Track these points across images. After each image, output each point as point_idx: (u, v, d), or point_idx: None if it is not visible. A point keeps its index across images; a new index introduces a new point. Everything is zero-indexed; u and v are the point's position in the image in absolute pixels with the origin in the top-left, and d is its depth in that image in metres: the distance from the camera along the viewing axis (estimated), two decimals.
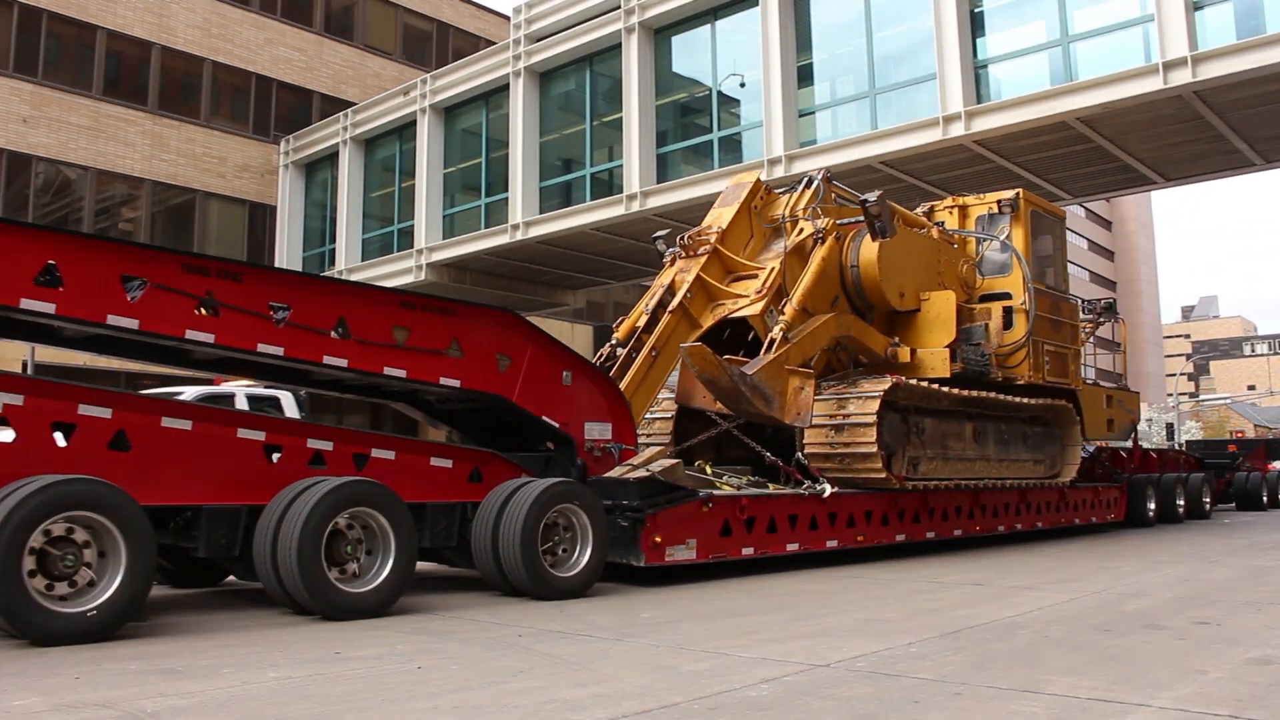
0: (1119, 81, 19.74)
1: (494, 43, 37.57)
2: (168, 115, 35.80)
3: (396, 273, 33.84)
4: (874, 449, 12.91)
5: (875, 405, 13.00)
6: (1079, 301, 18.48)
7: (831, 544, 12.92)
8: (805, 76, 25.12)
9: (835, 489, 12.98)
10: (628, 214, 27.70)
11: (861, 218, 13.84)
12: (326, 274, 35.74)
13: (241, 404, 16.39)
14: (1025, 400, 15.65)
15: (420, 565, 10.23)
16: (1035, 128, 21.28)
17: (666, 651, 6.92)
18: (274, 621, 8.42)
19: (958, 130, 21.60)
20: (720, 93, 27.17)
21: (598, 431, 11.76)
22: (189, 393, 16.41)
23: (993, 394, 15.08)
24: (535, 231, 30.16)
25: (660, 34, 28.12)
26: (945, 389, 14.17)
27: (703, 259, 13.60)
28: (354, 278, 34.26)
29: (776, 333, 12.79)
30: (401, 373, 10.23)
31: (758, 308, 13.11)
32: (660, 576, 11.37)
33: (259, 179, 37.69)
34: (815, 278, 13.45)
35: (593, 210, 28.59)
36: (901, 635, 7.51)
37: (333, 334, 9.85)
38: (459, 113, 33.84)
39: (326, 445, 9.74)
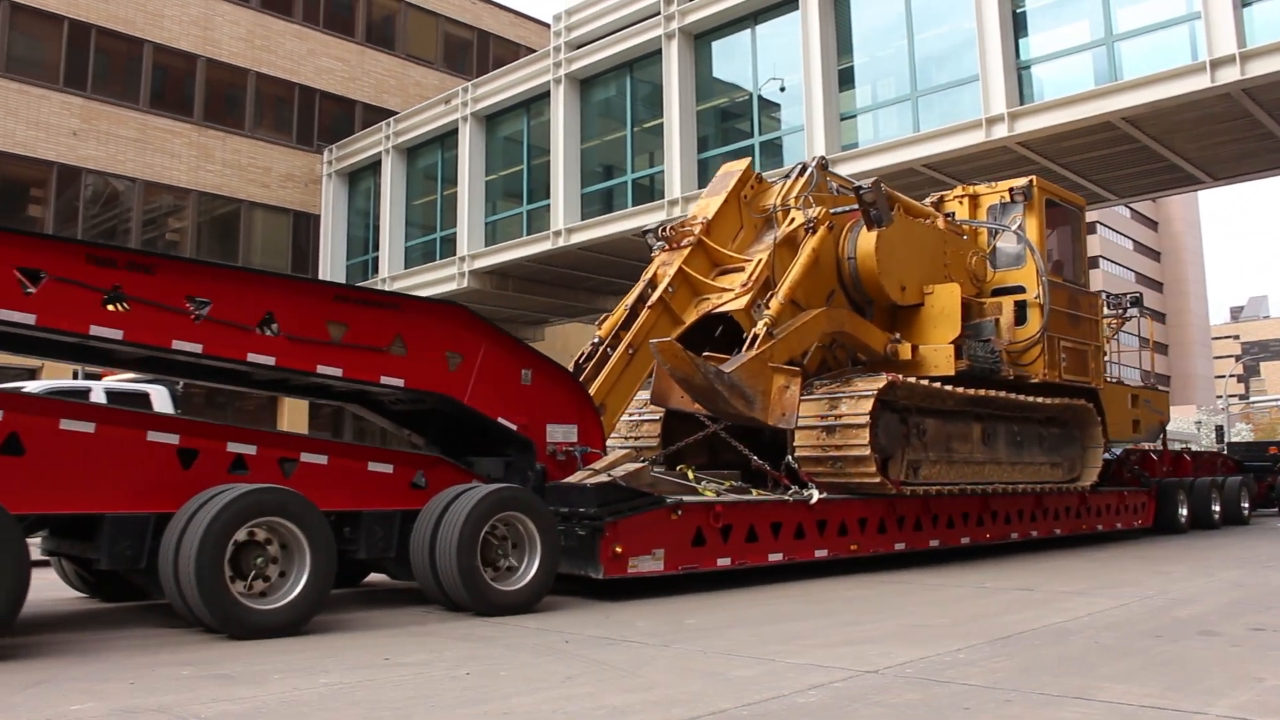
0: (1165, 80, 18.99)
1: (534, 50, 36.76)
2: (213, 126, 35.34)
3: (439, 280, 33.19)
4: (867, 452, 11.76)
5: (869, 405, 11.85)
6: (1104, 296, 17.17)
7: (820, 554, 11.77)
8: (846, 80, 24.44)
9: (823, 494, 11.84)
10: (670, 219, 26.45)
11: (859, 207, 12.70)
12: (368, 282, 35.21)
13: (99, 399, 14.90)
14: (1040, 400, 14.39)
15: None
16: (1080, 128, 20.53)
17: (713, 657, 6.74)
18: (324, 628, 8.14)
19: (1001, 132, 20.86)
20: (761, 97, 26.47)
21: (562, 434, 10.75)
22: (30, 387, 15.02)
23: (1004, 393, 13.84)
24: (577, 238, 29.37)
25: (700, 39, 27.48)
26: (950, 388, 12.97)
27: (686, 251, 12.54)
28: (396, 286, 33.96)
29: (760, 328, 11.69)
30: (337, 371, 9.29)
31: (742, 302, 12.02)
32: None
33: (303, 188, 37.13)
34: (805, 269, 12.32)
35: (634, 216, 27.60)
36: (950, 641, 7.28)
37: (259, 330, 8.93)
38: (500, 120, 33.12)
39: (249, 449, 8.82)
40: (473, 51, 41.10)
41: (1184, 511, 19.00)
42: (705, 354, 11.43)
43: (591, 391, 11.65)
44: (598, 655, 6.82)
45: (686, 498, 10.72)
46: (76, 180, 32.99)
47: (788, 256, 12.50)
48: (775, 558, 11.28)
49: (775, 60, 26.03)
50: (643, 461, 10.78)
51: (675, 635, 7.74)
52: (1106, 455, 17.54)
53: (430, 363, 9.82)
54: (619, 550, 9.89)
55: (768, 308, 11.84)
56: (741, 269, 12.44)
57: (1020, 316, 14.47)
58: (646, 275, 12.54)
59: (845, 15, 24.21)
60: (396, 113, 36.56)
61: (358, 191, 37.46)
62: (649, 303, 12.17)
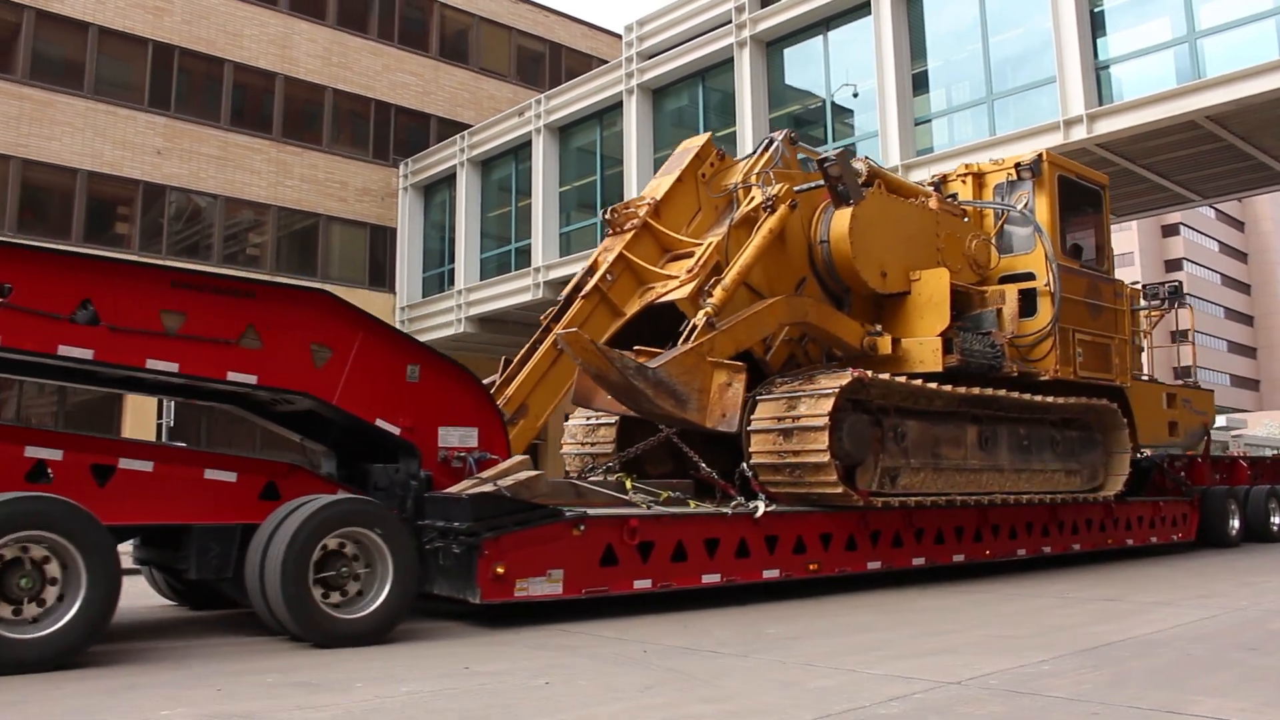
0: (1251, 77, 17.34)
1: (606, 61, 35.41)
2: (291, 143, 34.46)
3: (514, 291, 31.83)
4: (826, 458, 9.84)
5: (828, 405, 9.92)
6: (1141, 287, 14.88)
7: (770, 574, 9.87)
8: (920, 84, 22.84)
9: (772, 506, 9.96)
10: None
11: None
12: (443, 294, 34.06)
13: None
14: (1053, 400, 12.24)
15: None
16: (1161, 128, 18.93)
17: (792, 668, 6.44)
18: (406, 636, 7.80)
19: (1079, 134, 19.31)
20: (834, 103, 24.93)
21: (458, 438, 9.07)
22: None
23: (1004, 392, 11.75)
24: None
25: (772, 47, 26.09)
26: (935, 386, 10.97)
27: (629, 235, 10.75)
28: (472, 297, 32.85)
29: (699, 318, 9.86)
30: (172, 366, 7.79)
31: (687, 290, 10.19)
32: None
33: (379, 202, 36.07)
34: (759, 252, 10.42)
35: None
36: (1033, 652, 6.86)
37: (73, 319, 7.44)
38: (573, 131, 31.71)
39: (54, 454, 7.35)
40: (545, 64, 39.69)
41: (1235, 523, 16.44)
42: (637, 348, 9.66)
43: (511, 390, 9.97)
44: (676, 664, 6.53)
45: (594, 510, 8.94)
46: (161, 198, 32.38)
47: (744, 239, 10.61)
48: (710, 579, 9.43)
49: (848, 66, 24.66)
50: (537, 470, 8.97)
51: (754, 645, 7.33)
52: (1144, 461, 15.28)
53: (290, 357, 8.25)
54: (501, 571, 8.17)
55: (710, 295, 10.00)
56: (693, 254, 10.60)
57: (1029, 307, 12.35)
58: (589, 263, 10.79)
59: (918, 19, 22.81)
60: (470, 126, 35.33)
61: (433, 204, 36.34)
62: (583, 292, 10.43)
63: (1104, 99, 19.49)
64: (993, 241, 12.66)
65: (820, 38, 25.12)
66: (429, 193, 36.32)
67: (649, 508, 9.50)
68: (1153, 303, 14.93)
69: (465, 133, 34.39)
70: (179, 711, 5.20)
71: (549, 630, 8.07)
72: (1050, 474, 12.48)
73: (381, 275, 35.97)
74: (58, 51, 31.29)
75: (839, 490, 10.00)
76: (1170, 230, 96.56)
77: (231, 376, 8.01)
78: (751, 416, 10.40)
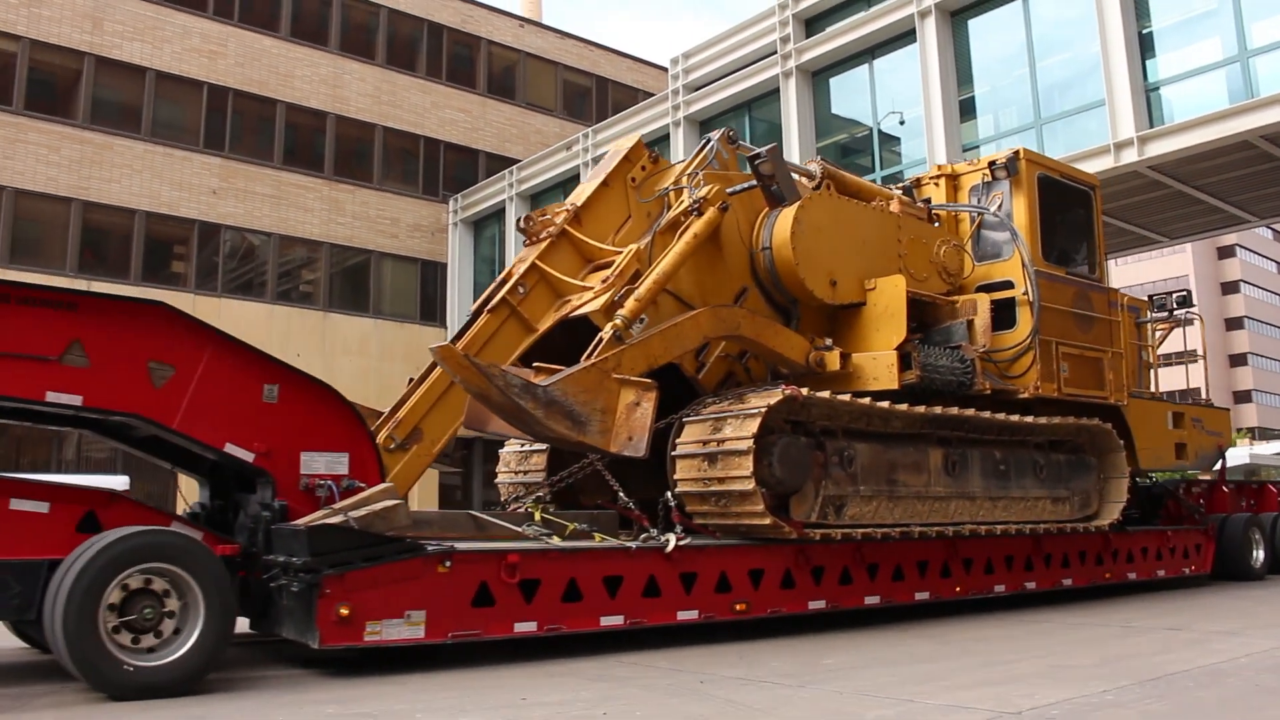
0: None
1: (652, 94, 34.53)
2: (343, 180, 34.02)
3: None
4: (750, 485, 8.54)
5: (754, 426, 8.63)
6: (1148, 298, 13.28)
7: (686, 616, 8.56)
8: (967, 110, 22.08)
9: (685, 539, 8.67)
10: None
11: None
12: None
13: None
14: (1033, 420, 10.78)
15: None
16: (1214, 149, 18.08)
17: (851, 698, 6.22)
18: (460, 667, 7.48)
19: (1130, 156, 18.50)
20: (881, 131, 24.17)
21: (324, 464, 7.95)
22: None
23: (973, 411, 10.33)
24: None
25: (818, 76, 25.44)
26: (889, 405, 9.61)
27: (545, 244, 9.59)
28: None
29: (607, 331, 8.66)
30: None
31: (599, 302, 8.99)
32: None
33: (429, 237, 35.43)
34: (681, 259, 9.18)
35: None
36: (1096, 682, 6.60)
37: None
38: None
39: None
40: (591, 98, 38.85)
41: (1259, 554, 14.58)
42: (537, 365, 8.50)
43: (403, 414, 8.84)
44: (734, 695, 6.29)
45: (463, 545, 7.75)
46: (216, 236, 32.10)
47: (669, 246, 9.39)
48: (610, 621, 8.17)
49: (894, 94, 23.91)
50: (397, 500, 7.79)
51: (812, 675, 7.05)
52: (1154, 487, 13.63)
53: (123, 376, 7.23)
54: (345, 612, 7.02)
55: (621, 307, 8.80)
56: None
57: (1007, 318, 10.93)
58: (502, 275, 9.66)
59: (964, 46, 22.17)
60: (519, 160, 34.62)
61: (483, 238, 35.60)
62: (490, 306, 9.29)
63: (1154, 121, 18.55)
64: (965, 248, 11.26)
65: (866, 66, 24.42)
66: (478, 227, 35.64)
67: (544, 541, 8.27)
68: (1159, 315, 13.30)
69: (514, 167, 33.79)
70: None
71: (605, 661, 7.70)
72: (1033, 502, 10.97)
73: (433, 310, 35.31)
74: (116, 96, 31.27)
75: (766, 522, 8.70)
76: (1226, 252, 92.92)
77: (51, 397, 7.01)
78: (677, 440, 9.15)
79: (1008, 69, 21.45)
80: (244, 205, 32.51)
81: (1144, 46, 18.95)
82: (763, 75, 26.02)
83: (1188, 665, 7.20)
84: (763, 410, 8.69)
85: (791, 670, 7.29)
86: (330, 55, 34.27)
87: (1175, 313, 13.24)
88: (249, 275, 32.82)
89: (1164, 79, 18.75)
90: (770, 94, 26.01)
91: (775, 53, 25.48)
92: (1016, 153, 11.18)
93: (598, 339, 8.65)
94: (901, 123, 23.40)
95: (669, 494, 9.11)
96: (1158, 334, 13.61)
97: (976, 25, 22.07)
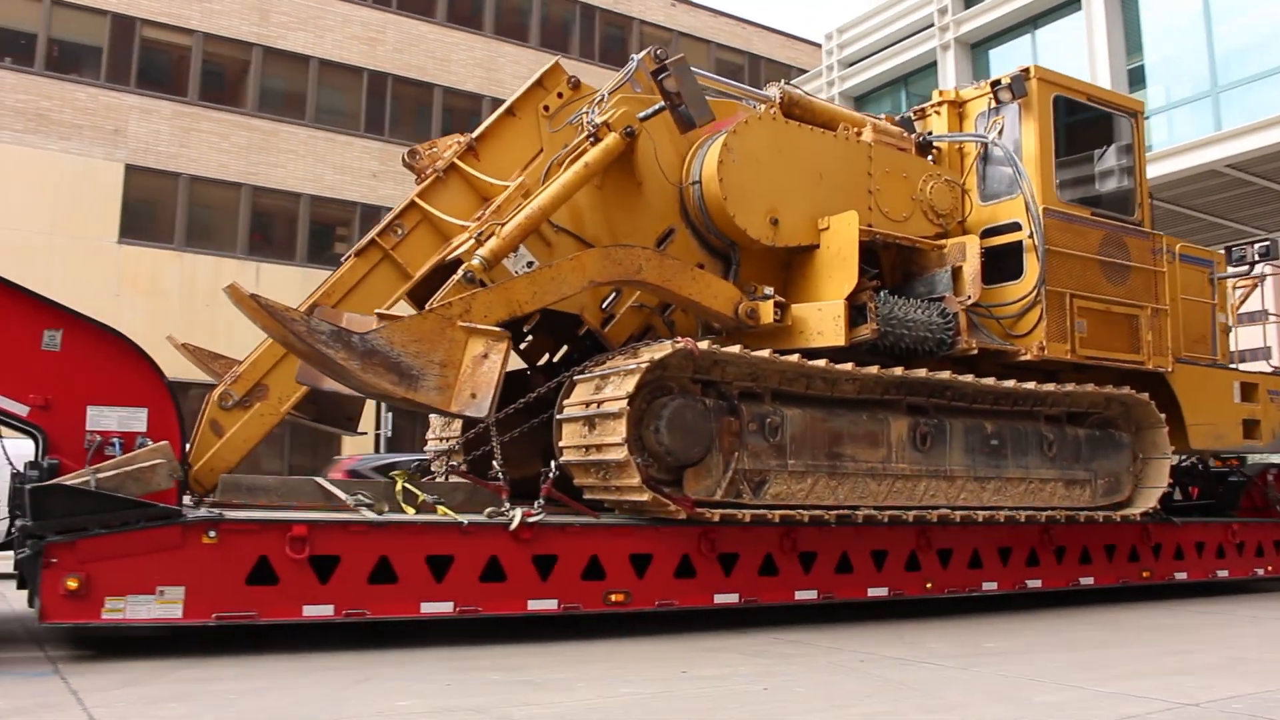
0: None
1: (805, 71, 32.62)
2: None
3: None
4: (622, 454, 6.92)
5: (630, 385, 7.00)
6: (1225, 250, 10.73)
7: (541, 606, 6.98)
8: (1136, 80, 20.58)
9: (538, 515, 7.08)
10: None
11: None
12: None
13: None
14: (1037, 387, 8.65)
15: None
16: None
17: (1016, 682, 5.79)
18: (621, 640, 7.11)
19: None
20: None
21: (117, 420, 6.76)
22: None
23: (949, 374, 8.31)
24: None
25: (977, 48, 24.24)
26: (827, 363, 7.76)
27: (430, 180, 8.15)
28: None
29: (460, 273, 7.18)
30: None
31: (489, 247, 7.48)
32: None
33: None
34: (568, 191, 7.53)
35: None
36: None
37: None
38: None
39: None
40: (744, 76, 36.85)
41: None
42: (378, 311, 7.12)
43: (243, 368, 7.59)
44: (894, 675, 6.02)
45: (235, 514, 6.42)
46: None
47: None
48: (434, 609, 6.69)
49: (1058, 64, 21.97)
50: (162, 458, 6.49)
51: (973, 658, 6.72)
52: (1231, 473, 11.06)
53: None
54: (74, 585, 5.83)
55: (478, 244, 7.28)
56: None
57: (1011, 266, 8.82)
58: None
59: (1133, 12, 20.66)
60: None
61: None
62: (357, 249, 7.93)
63: None
64: (965, 185, 9.17)
65: (1028, 36, 23.16)
66: None
67: (362, 512, 6.86)
68: (1238, 269, 10.70)
69: None
70: (412, 704, 5.01)
71: (763, 638, 7.27)
72: (1037, 484, 8.79)
73: None
74: (281, 84, 31.48)
75: (645, 497, 7.06)
76: None
77: None
78: (564, 402, 7.59)
79: (1181, 36, 19.80)
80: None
81: None
82: (920, 48, 24.98)
83: None
84: (644, 365, 7.03)
85: (952, 652, 6.92)
86: (485, 39, 33.66)
87: (1259, 265, 10.63)
88: None
89: None
90: (927, 68, 25.01)
91: (933, 24, 24.10)
92: (1026, 70, 9.01)
93: (448, 283, 7.18)
94: None
95: (551, 464, 7.56)
96: (1238, 292, 11.03)
97: None
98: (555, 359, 9.70)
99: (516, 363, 9.91)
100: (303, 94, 31.33)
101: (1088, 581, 9.33)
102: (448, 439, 9.35)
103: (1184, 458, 11.28)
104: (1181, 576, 10.04)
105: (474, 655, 6.47)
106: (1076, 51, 21.10)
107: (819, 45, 32.74)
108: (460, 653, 6.54)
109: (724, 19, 36.70)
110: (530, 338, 9.64)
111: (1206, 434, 9.80)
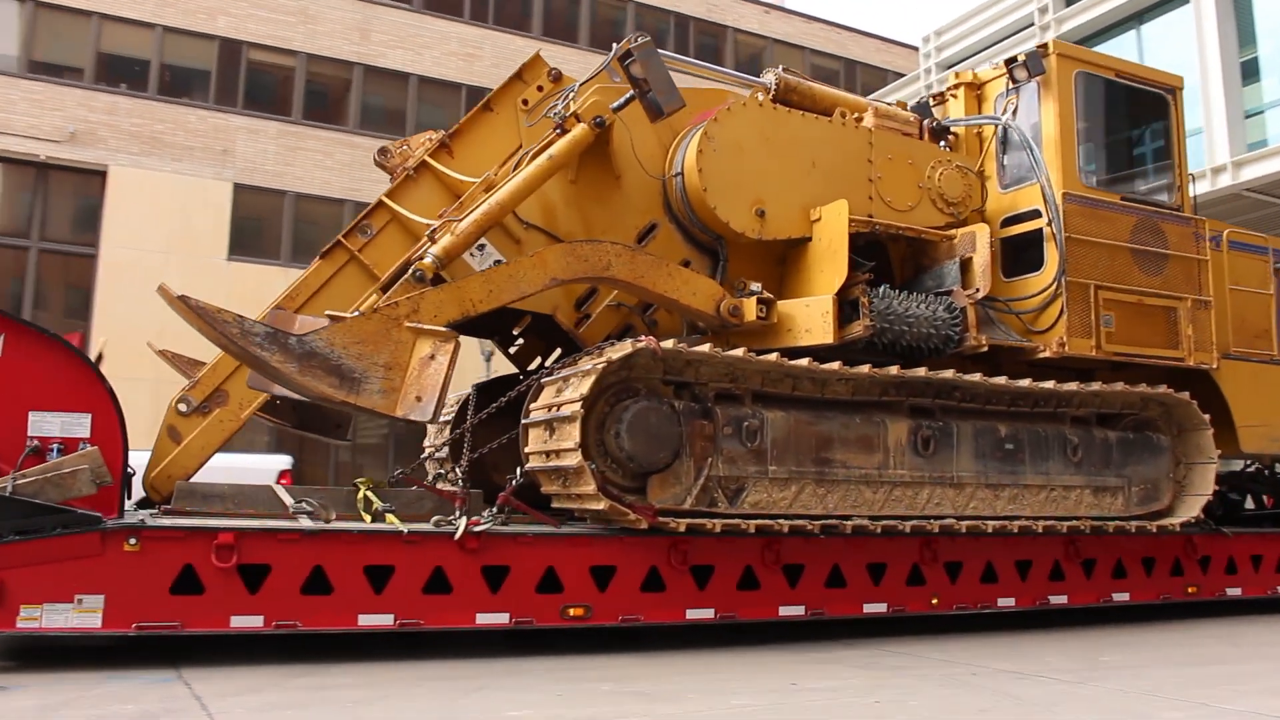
0: None
1: (901, 75, 31.63)
2: None
3: None
4: (576, 460, 6.45)
5: (585, 387, 6.52)
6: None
7: (491, 620, 6.53)
8: (1250, 73, 19.50)
9: (486, 525, 6.62)
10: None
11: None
12: None
13: None
14: (1057, 387, 7.86)
15: None
16: None
17: (1135, 697, 5.59)
18: (726, 651, 7.00)
19: None
20: None
21: (59, 426, 6.56)
22: None
23: (953, 372, 7.59)
24: None
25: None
26: (810, 363, 7.15)
27: (401, 179, 7.80)
28: None
29: (410, 272, 6.80)
30: None
31: (441, 244, 7.10)
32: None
33: None
34: (526, 187, 7.08)
35: None
36: None
37: None
38: None
39: None
40: (840, 81, 35.88)
41: None
42: (329, 312, 6.78)
43: (202, 373, 7.34)
44: (1009, 689, 5.86)
45: (159, 521, 6.14)
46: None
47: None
48: (373, 621, 6.30)
49: (1165, 60, 21.21)
50: (86, 465, 6.21)
51: (1090, 672, 6.51)
52: None
53: None
54: None
55: (432, 242, 6.89)
56: None
57: (1033, 257, 8.05)
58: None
59: (1246, 4, 19.58)
60: None
61: None
62: (324, 250, 7.62)
63: None
64: (982, 170, 8.42)
65: (1133, 32, 22.07)
66: None
67: (300, 520, 6.51)
68: None
69: None
70: (525, 714, 5.03)
71: (871, 650, 7.15)
72: (1060, 492, 7.98)
73: None
74: (382, 102, 31.85)
75: (600, 505, 6.56)
76: None
77: None
78: (530, 406, 7.15)
79: None
80: None
81: None
82: (1020, 49, 23.21)
83: None
84: (599, 367, 6.54)
85: (1068, 666, 6.69)
86: (580, 51, 33.45)
87: None
88: None
89: None
90: None
91: (1033, 24, 23.06)
92: (1044, 46, 8.22)
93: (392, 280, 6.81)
94: None
95: (518, 470, 7.11)
96: None
97: None
98: (548, 363, 9.26)
99: (508, 367, 9.53)
100: (402, 111, 31.60)
101: (1122, 598, 8.45)
102: (443, 446, 8.98)
103: (1247, 463, 10.27)
104: (1235, 592, 9.06)
105: (580, 665, 6.42)
106: (1185, 46, 20.06)
107: (915, 49, 31.75)
108: (565, 662, 6.50)
109: (818, 24, 35.87)
110: (521, 341, 9.22)
111: (1260, 436, 8.82)
